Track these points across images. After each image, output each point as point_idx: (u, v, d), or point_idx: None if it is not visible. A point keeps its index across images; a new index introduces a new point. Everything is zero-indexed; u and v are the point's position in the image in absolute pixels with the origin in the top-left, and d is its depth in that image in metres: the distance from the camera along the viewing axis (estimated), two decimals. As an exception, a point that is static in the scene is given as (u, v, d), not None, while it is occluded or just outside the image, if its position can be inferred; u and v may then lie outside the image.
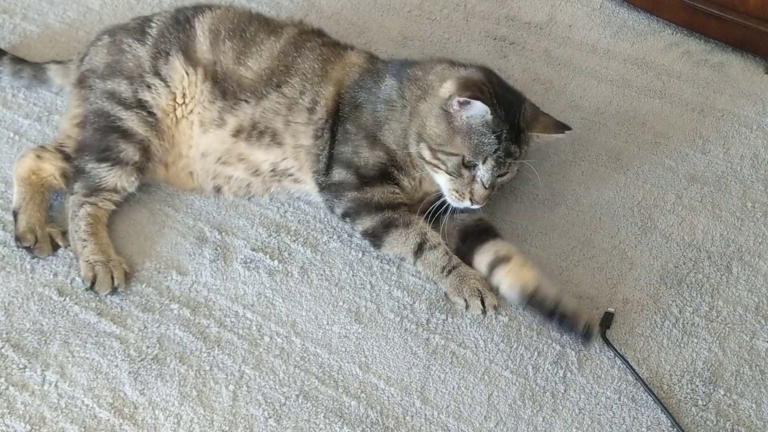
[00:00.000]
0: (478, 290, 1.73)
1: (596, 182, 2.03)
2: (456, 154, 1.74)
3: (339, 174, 1.82)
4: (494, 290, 1.76)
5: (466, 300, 1.73)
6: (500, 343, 1.71)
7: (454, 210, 1.81)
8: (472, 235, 1.81)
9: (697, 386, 1.65)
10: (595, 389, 1.64)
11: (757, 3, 2.26)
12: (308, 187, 1.90)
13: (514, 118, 1.75)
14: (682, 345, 1.72)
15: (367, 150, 1.82)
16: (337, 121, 1.85)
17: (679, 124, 2.19)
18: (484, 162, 1.74)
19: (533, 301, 1.71)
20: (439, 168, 1.77)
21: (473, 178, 1.75)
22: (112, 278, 1.73)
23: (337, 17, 2.43)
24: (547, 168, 2.05)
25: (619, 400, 1.63)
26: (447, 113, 1.74)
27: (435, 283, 1.77)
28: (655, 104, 2.24)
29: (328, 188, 1.84)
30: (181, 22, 1.94)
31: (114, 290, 1.73)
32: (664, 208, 1.98)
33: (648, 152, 2.11)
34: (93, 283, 1.72)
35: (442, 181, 1.79)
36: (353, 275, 1.80)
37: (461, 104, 1.71)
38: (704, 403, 1.63)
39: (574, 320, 1.68)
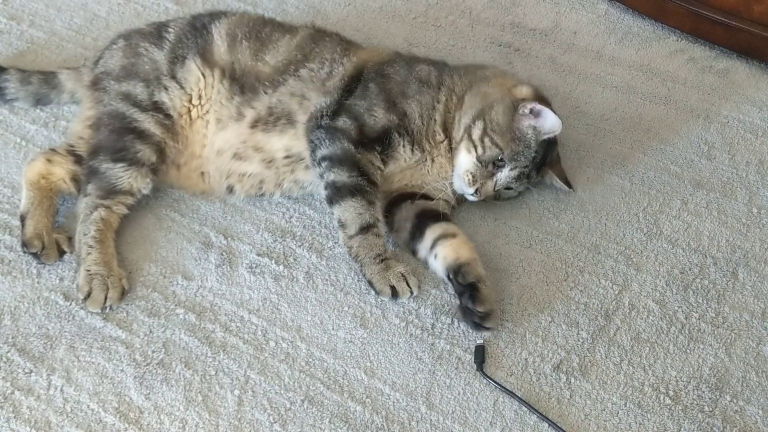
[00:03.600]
0: (402, 275, 1.76)
1: (601, 188, 2.03)
2: (499, 148, 1.82)
3: (344, 122, 1.85)
4: (420, 270, 1.81)
5: (392, 286, 1.75)
6: (505, 349, 1.70)
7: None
8: (429, 216, 1.86)
9: (704, 392, 1.65)
10: (601, 395, 1.64)
11: (762, 10, 2.26)
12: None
13: (547, 150, 1.89)
14: (688, 351, 1.71)
15: (383, 111, 1.86)
16: (354, 84, 1.90)
17: (684, 131, 2.19)
18: (511, 169, 1.83)
19: (458, 272, 1.73)
20: (475, 150, 1.84)
21: (491, 175, 1.84)
22: (106, 297, 1.71)
23: (343, 24, 2.44)
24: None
25: (625, 406, 1.62)
26: (514, 110, 1.83)
27: (360, 266, 1.78)
28: (661, 110, 2.24)
29: (326, 129, 1.85)
30: (198, 28, 1.99)
31: (103, 310, 1.71)
32: (670, 214, 1.98)
33: (653, 158, 2.11)
34: (86, 298, 1.70)
35: (464, 161, 1.86)
36: (358, 280, 1.80)
37: (533, 111, 1.82)
38: (710, 409, 1.63)
39: (480, 301, 1.69)
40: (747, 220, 1.97)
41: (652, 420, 1.61)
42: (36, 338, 1.67)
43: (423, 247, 1.83)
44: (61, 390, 1.60)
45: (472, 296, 1.70)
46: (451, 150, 1.90)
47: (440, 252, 1.78)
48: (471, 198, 1.88)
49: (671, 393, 1.65)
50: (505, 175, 1.85)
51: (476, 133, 1.84)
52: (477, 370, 1.65)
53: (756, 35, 2.30)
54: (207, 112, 1.93)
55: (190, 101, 1.92)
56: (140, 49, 1.96)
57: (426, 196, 1.90)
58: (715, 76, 2.34)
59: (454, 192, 1.91)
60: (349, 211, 1.79)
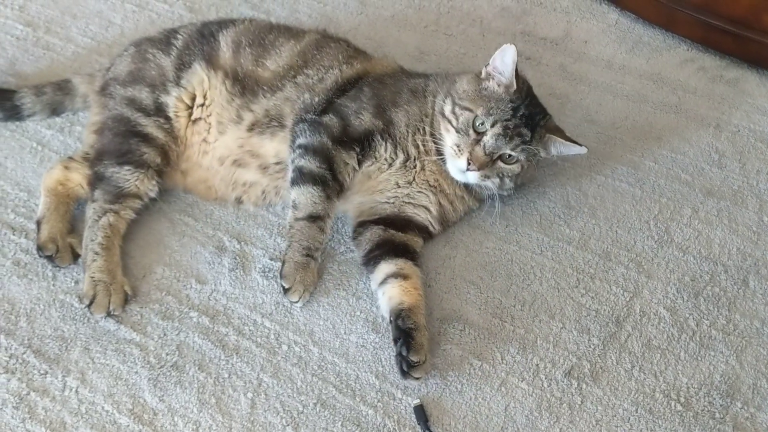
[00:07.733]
0: (307, 284, 1.75)
1: (612, 195, 2.04)
2: (470, 110, 1.81)
3: (330, 119, 1.87)
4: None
5: (297, 284, 1.74)
6: (516, 355, 1.71)
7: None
8: (390, 246, 1.82)
9: (715, 399, 1.65)
10: (612, 401, 1.64)
11: (772, 20, 2.27)
12: None
13: (535, 111, 1.85)
14: (699, 358, 1.72)
15: (370, 116, 1.88)
16: (349, 87, 1.93)
17: (694, 139, 2.20)
18: (492, 125, 1.80)
19: (398, 317, 1.68)
20: (451, 124, 1.83)
21: (478, 141, 1.81)
22: (110, 302, 1.72)
23: (355, 32, 2.46)
24: (563, 181, 2.06)
25: (636, 412, 1.63)
26: (479, 79, 1.86)
27: (287, 246, 1.78)
28: (671, 119, 2.25)
29: (310, 122, 1.87)
30: (206, 35, 2.01)
31: (108, 315, 1.72)
32: (681, 222, 1.98)
33: (664, 166, 2.12)
34: (91, 303, 1.72)
35: (449, 141, 1.84)
36: (370, 285, 1.81)
37: (493, 67, 1.83)
38: (721, 416, 1.63)
39: (414, 350, 1.63)
40: (757, 229, 1.97)
41: (663, 426, 1.61)
42: (51, 340, 1.69)
43: (374, 279, 1.79)
44: (76, 391, 1.61)
45: (406, 343, 1.63)
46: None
47: (388, 291, 1.74)
48: (470, 174, 1.81)
49: (682, 399, 1.65)
50: (490, 134, 1.79)
51: (447, 109, 1.84)
52: (423, 430, 1.58)
53: (766, 45, 2.31)
54: (210, 114, 1.95)
55: (193, 100, 1.95)
56: (148, 54, 1.99)
57: (401, 226, 1.86)
58: (726, 85, 2.35)
59: (439, 213, 1.88)
60: (306, 196, 1.80)
